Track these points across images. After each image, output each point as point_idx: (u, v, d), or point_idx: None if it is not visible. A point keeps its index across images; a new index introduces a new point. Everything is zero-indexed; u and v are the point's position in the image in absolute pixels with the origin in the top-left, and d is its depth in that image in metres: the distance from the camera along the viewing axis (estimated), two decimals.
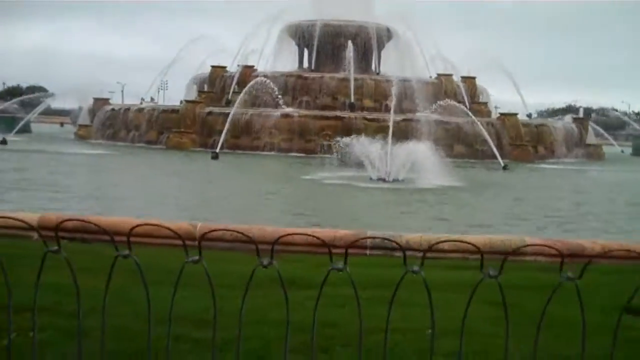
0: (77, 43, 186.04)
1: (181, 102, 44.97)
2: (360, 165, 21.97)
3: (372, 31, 44.79)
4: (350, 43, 41.61)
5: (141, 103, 46.09)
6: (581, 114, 51.13)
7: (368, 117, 35.29)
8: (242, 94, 34.41)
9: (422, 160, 20.83)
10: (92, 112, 42.71)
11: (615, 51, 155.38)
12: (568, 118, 46.29)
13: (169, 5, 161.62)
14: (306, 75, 41.59)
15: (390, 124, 23.96)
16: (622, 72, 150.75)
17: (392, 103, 24.71)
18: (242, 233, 3.73)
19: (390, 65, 47.33)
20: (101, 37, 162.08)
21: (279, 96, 35.57)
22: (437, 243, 3.16)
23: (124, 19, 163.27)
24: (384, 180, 21.00)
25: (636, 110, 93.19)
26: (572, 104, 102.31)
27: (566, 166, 34.14)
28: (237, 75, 40.32)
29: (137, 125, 38.60)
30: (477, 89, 44.88)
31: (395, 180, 20.91)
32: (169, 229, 3.06)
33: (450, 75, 43.29)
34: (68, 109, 78.72)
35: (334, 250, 2.19)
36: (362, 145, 21.76)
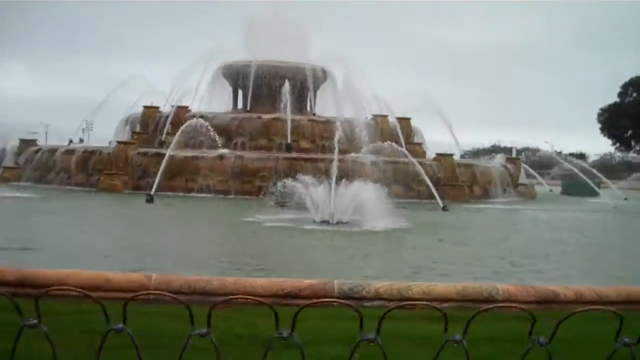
0: None
1: (110, 143, 43.87)
2: (300, 207, 21.46)
3: (308, 72, 44.75)
4: (287, 83, 41.39)
5: (69, 144, 44.66)
6: (514, 154, 52.10)
7: (305, 157, 34.94)
8: (177, 135, 33.57)
9: (366, 201, 20.43)
10: (18, 153, 41.00)
11: (537, 92, 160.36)
12: (499, 158, 47.06)
13: (88, 44, 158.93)
14: (242, 116, 41.07)
15: (335, 165, 23.51)
16: (543, 112, 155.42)
17: (335, 142, 24.19)
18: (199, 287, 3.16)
19: (326, 106, 47.41)
20: (15, 76, 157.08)
21: (216, 137, 34.83)
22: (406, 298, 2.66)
23: (41, 58, 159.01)
24: (327, 222, 20.51)
25: (558, 150, 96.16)
26: (496, 143, 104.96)
27: (504, 206, 34.47)
28: (170, 116, 39.47)
29: (65, 168, 37.20)
30: (412, 129, 45.19)
31: (339, 223, 20.44)
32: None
33: (386, 116, 43.49)
34: None
35: (300, 302, 1.73)
36: (304, 186, 21.26)
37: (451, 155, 38.43)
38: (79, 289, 2.99)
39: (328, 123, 41.16)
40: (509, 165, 43.57)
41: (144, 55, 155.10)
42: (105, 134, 45.96)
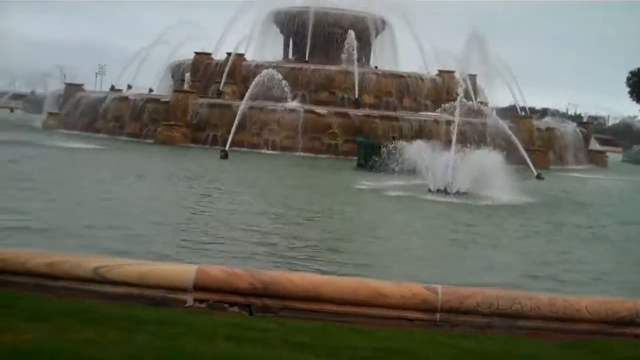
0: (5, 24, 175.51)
1: (150, 90, 41.25)
2: (410, 172, 19.07)
3: (369, 22, 41.88)
4: (352, 33, 38.57)
5: (111, 90, 42.01)
6: (584, 119, 49.39)
7: (382, 114, 32.45)
8: (251, 86, 30.91)
9: (489, 171, 18.00)
10: (64, 98, 38.54)
11: (558, 51, 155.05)
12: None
13: None
14: (300, 66, 38.27)
15: (455, 127, 20.96)
16: (565, 73, 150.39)
17: (458, 102, 21.56)
18: None
19: (385, 58, 44.66)
20: (35, 19, 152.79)
21: (287, 89, 32.24)
22: None
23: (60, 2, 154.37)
24: (445, 192, 18.15)
25: (582, 113, 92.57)
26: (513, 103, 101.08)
27: (592, 175, 32.05)
28: (229, 64, 36.80)
29: (117, 116, 34.79)
30: (477, 88, 42.47)
31: (458, 193, 18.07)
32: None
33: (453, 72, 40.69)
34: (18, 93, 73.71)
35: None
36: (420, 150, 18.80)
37: (529, 117, 35.76)
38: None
39: (394, 77, 38.60)
40: (579, 131, 40.92)
41: None
42: (121, 80, 43.00)
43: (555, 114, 76.71)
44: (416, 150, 18.81)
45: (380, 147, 26.11)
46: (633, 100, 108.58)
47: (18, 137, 28.18)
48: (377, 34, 43.86)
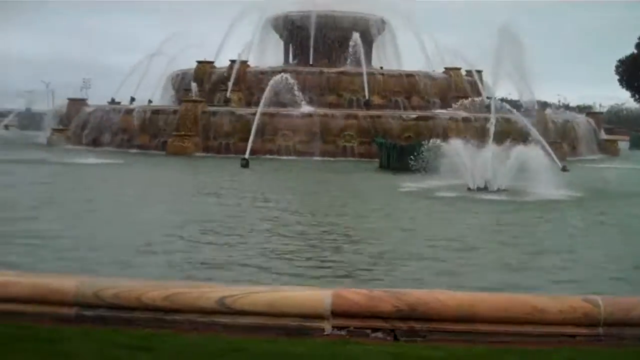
0: None
1: (149, 102, 40.51)
2: (446, 171, 18.56)
3: (372, 22, 41.43)
4: (356, 35, 38.13)
5: (112, 103, 41.22)
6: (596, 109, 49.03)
7: (394, 114, 31.95)
8: (266, 92, 30.36)
9: (531, 165, 17.52)
10: (67, 114, 37.85)
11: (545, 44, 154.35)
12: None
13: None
14: (306, 70, 37.71)
15: (492, 123, 20.46)
16: (551, 64, 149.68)
17: (493, 101, 21.10)
18: None
19: (386, 58, 44.22)
20: (11, 35, 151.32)
21: (299, 94, 31.68)
22: None
23: (35, 16, 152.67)
24: (485, 189, 17.64)
25: (571, 104, 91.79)
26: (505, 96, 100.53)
27: (608, 164, 31.63)
28: (234, 72, 36.21)
29: (124, 129, 34.11)
30: (484, 83, 42.06)
31: (499, 190, 17.56)
32: None
33: (459, 69, 40.31)
34: (8, 110, 72.84)
35: None
36: (458, 148, 18.28)
37: (544, 110, 35.33)
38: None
39: (401, 76, 38.15)
40: (591, 121, 40.56)
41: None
42: (104, 94, 41.82)
43: (549, 106, 76.40)
44: (454, 149, 18.31)
45: (402, 148, 25.74)
46: (623, 87, 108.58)
47: (31, 155, 27.55)
48: (378, 34, 43.45)
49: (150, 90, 43.55)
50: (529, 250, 10.05)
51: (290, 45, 44.02)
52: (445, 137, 30.17)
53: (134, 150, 32.24)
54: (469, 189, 17.75)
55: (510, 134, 28.25)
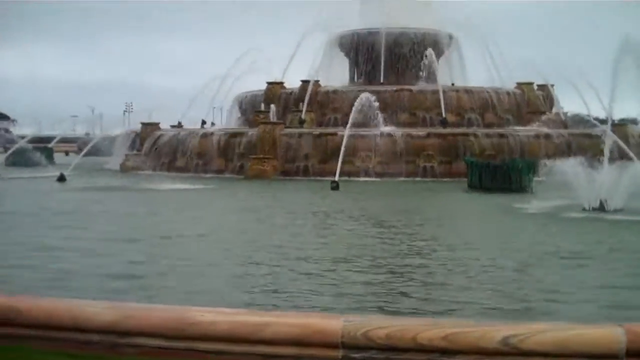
0: (33, 68, 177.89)
1: (212, 124, 40.50)
2: (549, 190, 17.99)
3: (441, 38, 41.03)
4: (430, 50, 37.69)
5: (202, 126, 41.16)
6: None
7: (481, 133, 31.38)
8: (352, 113, 30.10)
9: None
10: (141, 138, 38.05)
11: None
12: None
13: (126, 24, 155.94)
14: (378, 89, 37.26)
15: (607, 143, 19.81)
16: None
17: (610, 117, 20.48)
18: None
19: (454, 74, 43.69)
20: (63, 62, 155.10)
21: (379, 114, 31.36)
22: None
23: (87, 42, 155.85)
24: (602, 210, 17.02)
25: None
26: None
27: None
28: (308, 92, 36.05)
29: (199, 153, 34.11)
30: (553, 98, 41.30)
31: (616, 210, 16.92)
32: None
33: (531, 83, 39.58)
34: (70, 137, 74.10)
35: None
36: (571, 167, 17.69)
37: (625, 124, 34.42)
38: None
39: (475, 93, 37.61)
40: None
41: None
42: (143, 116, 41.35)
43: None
44: (568, 168, 17.72)
45: (495, 167, 25.11)
46: None
47: (111, 182, 27.65)
48: (446, 49, 43.04)
49: (204, 111, 43.70)
50: None
51: (356, 62, 43.79)
52: (524, 154, 29.67)
53: (210, 175, 32.13)
54: (584, 209, 17.15)
55: (589, 149, 27.66)
